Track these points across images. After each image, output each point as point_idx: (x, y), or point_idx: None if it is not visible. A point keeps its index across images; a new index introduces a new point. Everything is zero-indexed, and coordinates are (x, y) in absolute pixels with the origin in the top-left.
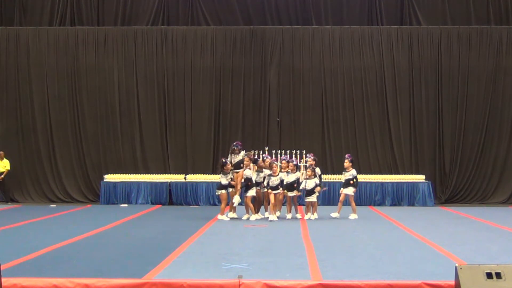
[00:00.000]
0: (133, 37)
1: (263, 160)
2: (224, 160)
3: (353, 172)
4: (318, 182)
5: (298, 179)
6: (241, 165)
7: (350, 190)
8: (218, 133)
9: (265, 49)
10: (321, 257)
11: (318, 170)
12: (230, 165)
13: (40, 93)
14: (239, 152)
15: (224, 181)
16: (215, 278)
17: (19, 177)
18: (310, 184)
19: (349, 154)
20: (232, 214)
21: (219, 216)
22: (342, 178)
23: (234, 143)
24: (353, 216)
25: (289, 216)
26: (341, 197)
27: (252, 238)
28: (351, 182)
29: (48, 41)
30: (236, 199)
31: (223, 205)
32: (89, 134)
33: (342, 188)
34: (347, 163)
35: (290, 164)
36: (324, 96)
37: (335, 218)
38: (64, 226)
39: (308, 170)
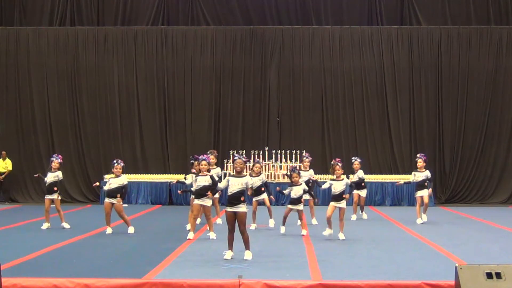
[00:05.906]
0: (133, 37)
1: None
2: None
3: (427, 173)
4: (306, 188)
5: (265, 183)
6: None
7: (425, 192)
8: (218, 133)
9: (265, 49)
10: (321, 257)
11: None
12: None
13: (40, 93)
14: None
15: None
16: (215, 278)
17: (19, 177)
18: (297, 191)
19: (422, 154)
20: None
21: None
22: (412, 179)
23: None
24: (419, 220)
25: (253, 226)
26: (425, 200)
27: (252, 238)
28: (426, 184)
29: (48, 41)
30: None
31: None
32: (89, 134)
33: (416, 191)
34: (421, 163)
35: (256, 165)
36: (324, 96)
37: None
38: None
39: (293, 174)
